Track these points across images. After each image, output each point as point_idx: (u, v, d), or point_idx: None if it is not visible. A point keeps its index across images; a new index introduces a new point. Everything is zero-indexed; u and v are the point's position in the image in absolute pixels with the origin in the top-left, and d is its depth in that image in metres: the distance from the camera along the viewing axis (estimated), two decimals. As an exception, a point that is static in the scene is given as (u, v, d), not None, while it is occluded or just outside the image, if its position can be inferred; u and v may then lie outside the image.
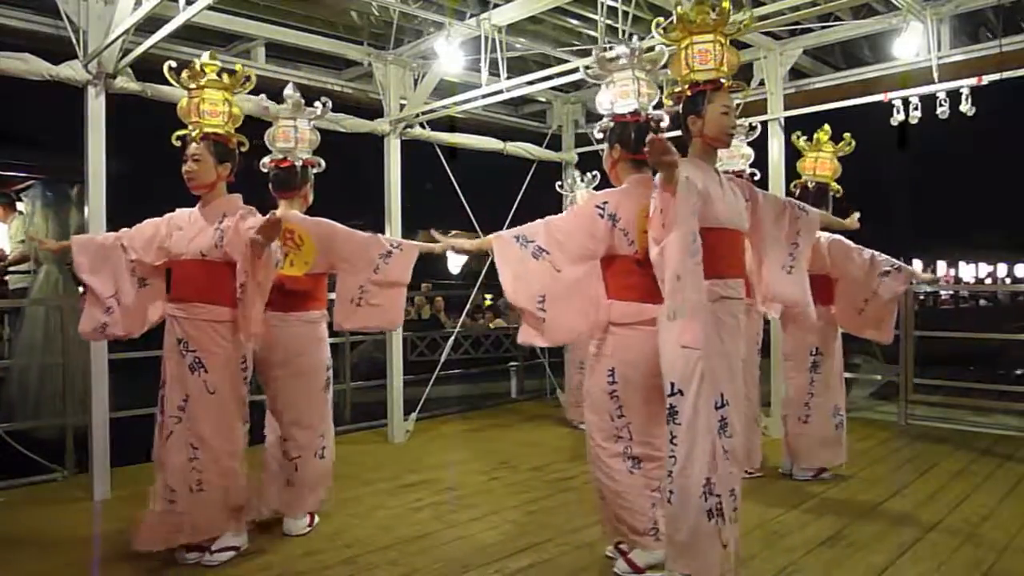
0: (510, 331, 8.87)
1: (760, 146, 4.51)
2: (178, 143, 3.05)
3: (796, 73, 5.48)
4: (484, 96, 4.79)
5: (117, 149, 4.14)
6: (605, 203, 2.73)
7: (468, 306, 7.30)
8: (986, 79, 4.19)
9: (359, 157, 5.56)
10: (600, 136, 2.96)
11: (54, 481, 4.19)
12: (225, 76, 3.03)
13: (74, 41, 3.87)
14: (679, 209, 2.31)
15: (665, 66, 2.77)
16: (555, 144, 6.75)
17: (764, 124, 4.97)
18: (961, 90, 4.24)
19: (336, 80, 5.57)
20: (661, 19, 2.66)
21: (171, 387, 2.95)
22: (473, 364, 8.28)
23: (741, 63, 2.72)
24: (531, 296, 2.71)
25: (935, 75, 4.39)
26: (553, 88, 5.55)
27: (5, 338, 6.03)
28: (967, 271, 32.90)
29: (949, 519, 3.42)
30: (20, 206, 6.23)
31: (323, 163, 3.53)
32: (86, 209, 3.93)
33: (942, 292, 21.08)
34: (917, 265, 21.35)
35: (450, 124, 5.67)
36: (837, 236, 3.97)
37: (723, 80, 2.61)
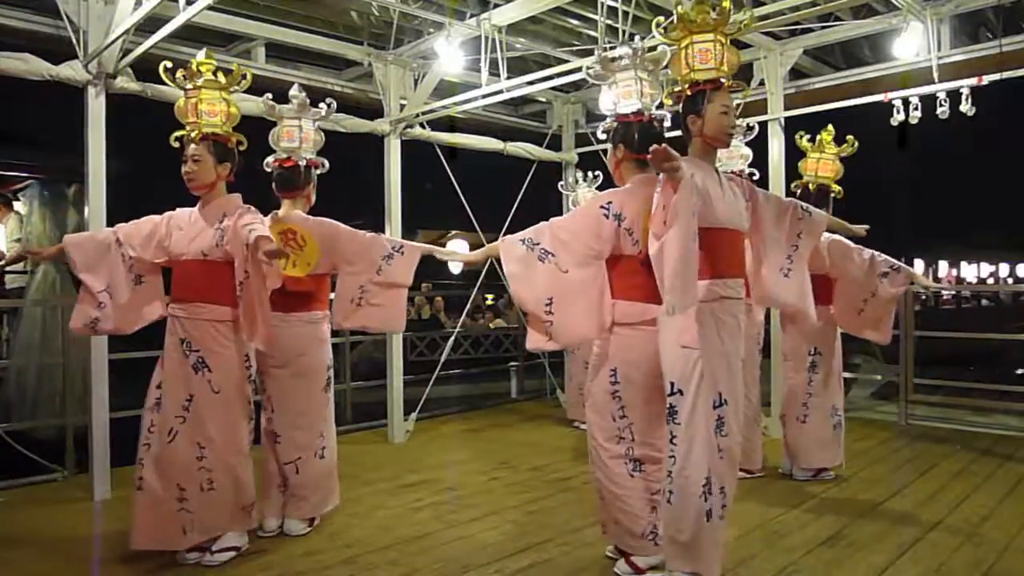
0: (510, 331, 8.88)
1: (760, 146, 4.51)
2: (176, 144, 3.05)
3: (796, 73, 5.48)
4: (484, 96, 4.79)
5: (117, 149, 4.14)
6: (610, 203, 2.73)
7: (468, 306, 7.30)
8: (986, 79, 4.19)
9: (359, 157, 5.56)
10: (604, 137, 2.96)
11: (54, 481, 4.19)
12: (221, 75, 3.02)
13: (74, 41, 3.87)
14: (680, 206, 2.31)
15: (667, 66, 2.78)
16: (555, 144, 6.75)
17: (764, 124, 4.97)
18: (961, 90, 4.24)
19: (336, 80, 5.58)
20: (661, 18, 2.67)
21: (173, 387, 2.95)
22: (473, 364, 8.28)
23: (741, 63, 2.72)
24: (538, 300, 2.71)
25: (935, 75, 4.39)
26: (553, 88, 5.56)
27: (3, 338, 6.03)
28: (969, 271, 32.89)
29: (949, 519, 3.42)
30: (17, 206, 6.23)
31: (327, 164, 3.52)
32: (86, 209, 3.93)
33: (944, 292, 21.06)
34: (919, 265, 21.35)
35: (450, 124, 5.67)
36: (836, 236, 3.97)
37: (723, 80, 2.61)
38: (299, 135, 3.42)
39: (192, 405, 2.92)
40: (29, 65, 3.77)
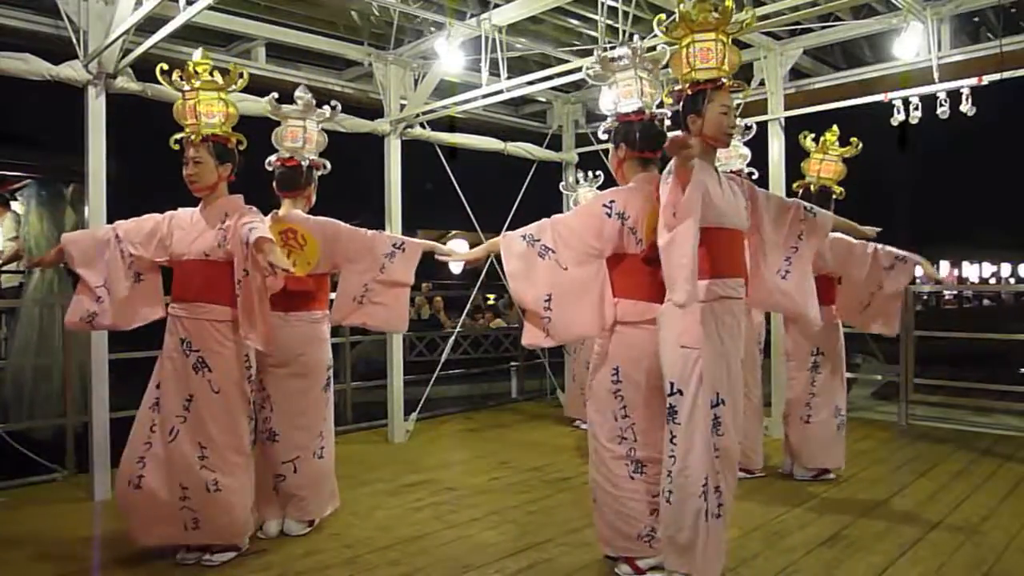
0: (510, 331, 8.88)
1: (760, 146, 4.50)
2: (176, 147, 3.04)
3: (796, 73, 5.48)
4: (484, 96, 4.79)
5: (117, 149, 4.14)
6: (612, 202, 2.72)
7: (468, 306, 7.30)
8: (986, 79, 4.19)
9: (359, 157, 5.56)
10: (605, 136, 2.95)
11: (54, 481, 4.19)
12: (219, 75, 3.02)
13: (74, 41, 3.87)
14: (691, 196, 2.32)
15: (667, 65, 2.77)
16: (555, 144, 6.75)
17: (764, 124, 4.97)
18: (961, 90, 4.23)
19: (336, 80, 5.58)
20: (663, 16, 2.67)
21: (173, 386, 2.95)
22: (473, 364, 8.28)
23: (742, 63, 2.72)
24: (537, 296, 2.70)
25: (935, 75, 4.39)
26: (553, 88, 5.56)
27: (0, 338, 6.03)
28: (971, 271, 32.90)
29: (949, 519, 3.42)
30: (14, 205, 6.23)
31: (329, 165, 3.52)
32: (86, 209, 3.93)
33: (945, 292, 21.03)
34: (918, 266, 21.33)
35: (450, 124, 5.67)
36: (837, 234, 3.96)
37: (724, 79, 2.61)
38: (303, 135, 3.43)
39: (192, 405, 2.93)
40: (29, 65, 3.77)
